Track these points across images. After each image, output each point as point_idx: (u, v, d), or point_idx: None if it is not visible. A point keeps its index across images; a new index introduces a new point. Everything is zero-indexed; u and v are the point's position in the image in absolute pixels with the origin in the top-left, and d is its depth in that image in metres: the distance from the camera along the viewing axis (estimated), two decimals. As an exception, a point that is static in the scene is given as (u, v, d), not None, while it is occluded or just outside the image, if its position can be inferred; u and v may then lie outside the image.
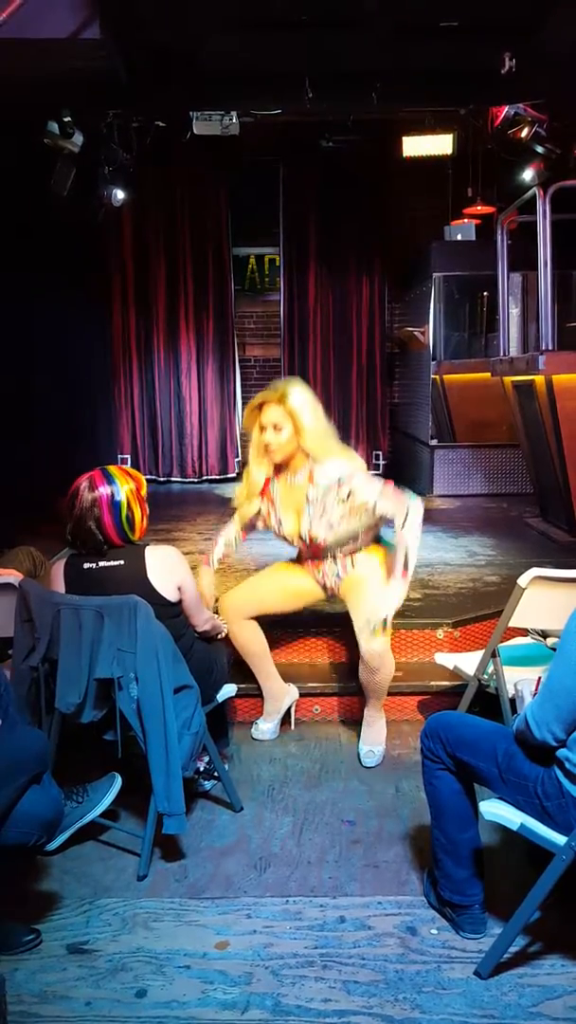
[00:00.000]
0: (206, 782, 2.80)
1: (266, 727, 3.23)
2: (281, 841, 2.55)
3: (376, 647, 2.90)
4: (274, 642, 3.62)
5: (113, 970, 2.00)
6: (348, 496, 2.86)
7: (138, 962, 2.03)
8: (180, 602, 2.57)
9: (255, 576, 3.30)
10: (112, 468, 2.50)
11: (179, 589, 2.54)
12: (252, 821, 2.66)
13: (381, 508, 2.85)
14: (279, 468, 3.00)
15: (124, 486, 2.44)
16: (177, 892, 2.31)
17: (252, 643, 3.18)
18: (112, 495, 2.41)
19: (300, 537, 3.01)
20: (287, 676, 3.53)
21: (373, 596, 2.91)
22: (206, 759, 2.74)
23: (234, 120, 5.60)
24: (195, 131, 5.71)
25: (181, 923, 2.17)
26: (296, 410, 2.85)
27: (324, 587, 3.16)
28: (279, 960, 2.02)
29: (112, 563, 2.47)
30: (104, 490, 2.42)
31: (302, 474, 2.94)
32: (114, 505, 2.41)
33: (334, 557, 3.08)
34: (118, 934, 2.13)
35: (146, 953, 2.06)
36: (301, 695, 3.37)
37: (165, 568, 2.50)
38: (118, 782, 2.48)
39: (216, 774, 2.75)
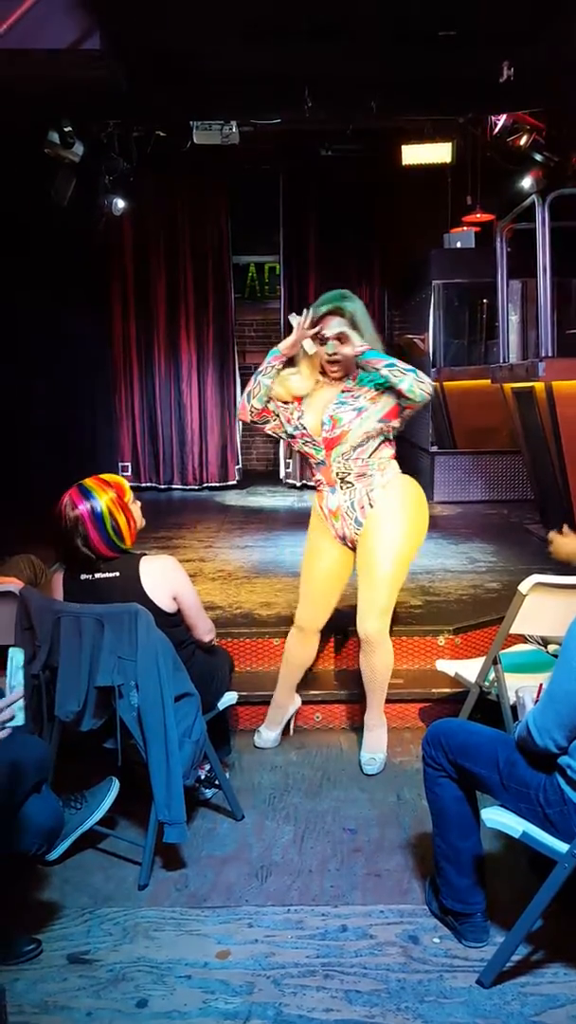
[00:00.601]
0: (207, 790, 2.79)
1: (269, 735, 3.22)
2: (282, 850, 2.54)
3: (370, 627, 2.89)
4: (274, 649, 3.63)
5: (114, 980, 1.99)
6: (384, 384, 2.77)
7: (139, 972, 2.02)
8: (178, 612, 2.56)
9: (304, 587, 3.12)
10: (89, 481, 2.47)
11: (175, 599, 2.52)
12: (253, 829, 2.65)
13: (398, 371, 2.73)
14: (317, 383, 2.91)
15: (103, 497, 2.42)
16: (178, 901, 2.30)
17: (305, 657, 3.15)
18: (92, 509, 2.40)
19: (323, 427, 2.84)
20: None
21: (380, 573, 2.86)
22: (207, 767, 2.74)
23: (234, 129, 5.64)
24: (195, 140, 5.75)
25: (182, 932, 2.16)
26: (360, 320, 2.82)
27: (347, 544, 3.01)
28: (280, 969, 2.02)
29: (108, 575, 2.48)
30: (84, 506, 2.41)
31: (341, 384, 2.88)
32: (96, 519, 2.40)
33: (351, 484, 2.90)
34: (119, 944, 2.12)
35: (147, 963, 2.05)
36: (304, 702, 3.36)
37: (160, 578, 2.49)
38: (115, 786, 2.47)
39: (217, 782, 2.74)
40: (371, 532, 2.90)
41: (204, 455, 8.42)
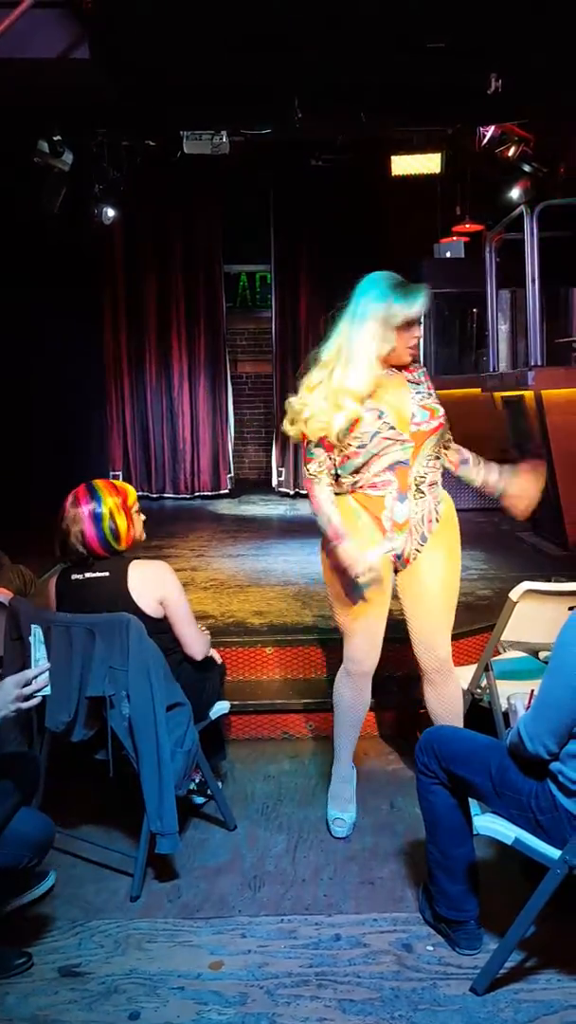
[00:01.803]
0: (199, 798, 2.78)
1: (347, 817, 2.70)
2: (275, 859, 2.53)
3: (445, 653, 2.59)
4: (266, 658, 3.63)
5: (106, 993, 1.98)
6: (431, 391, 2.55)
7: (131, 984, 2.00)
8: (166, 619, 2.55)
9: (357, 623, 2.57)
10: (98, 482, 2.52)
11: (162, 604, 2.52)
12: (246, 839, 2.64)
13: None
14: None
15: (108, 499, 2.46)
16: (170, 912, 2.28)
17: (364, 704, 2.70)
18: (94, 509, 2.44)
19: (412, 420, 2.46)
20: (280, 691, 3.53)
21: (452, 592, 2.59)
22: (199, 776, 2.73)
23: (224, 139, 5.66)
24: (185, 150, 5.77)
25: (175, 944, 2.15)
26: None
27: (399, 563, 2.57)
28: (274, 979, 2.01)
29: (97, 574, 2.48)
30: (87, 504, 2.45)
31: (404, 372, 2.55)
32: (96, 518, 2.44)
33: (423, 493, 2.51)
34: (111, 956, 2.11)
35: (139, 975, 2.03)
36: (296, 711, 3.35)
37: (147, 582, 2.49)
38: (51, 879, 2.40)
39: (209, 792, 2.73)
40: (440, 549, 2.57)
41: (196, 464, 8.42)
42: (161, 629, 2.52)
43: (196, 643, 2.61)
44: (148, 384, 8.34)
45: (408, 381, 2.53)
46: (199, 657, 2.63)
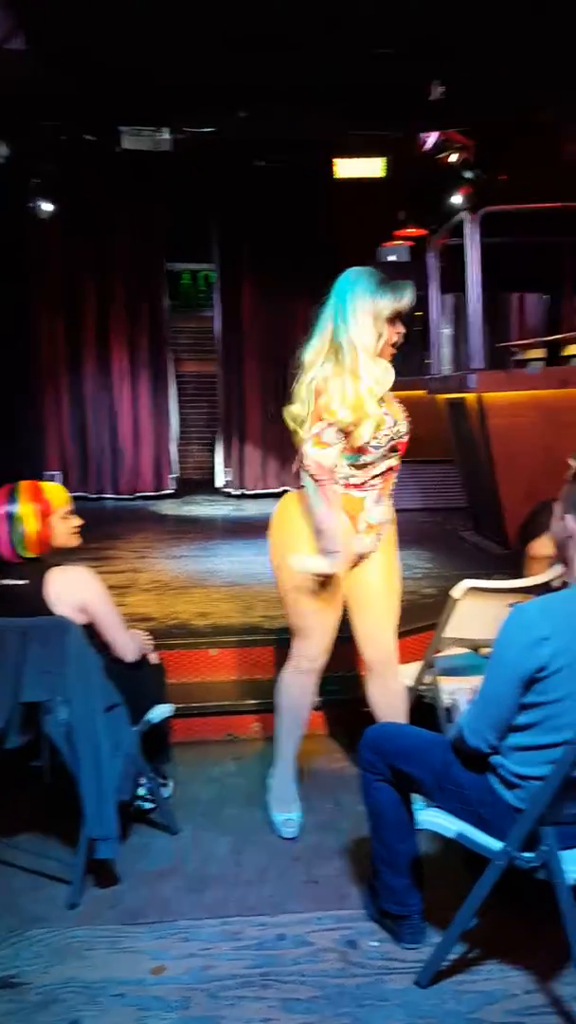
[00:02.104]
0: (146, 804, 2.73)
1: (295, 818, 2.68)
2: (219, 862, 2.50)
3: (392, 646, 2.63)
4: (211, 659, 3.60)
5: (44, 1003, 1.92)
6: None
7: (71, 993, 1.95)
8: (90, 625, 2.48)
9: (314, 620, 2.56)
10: (22, 484, 2.46)
11: (84, 611, 2.45)
12: (189, 843, 2.61)
13: None
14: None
15: (25, 504, 2.41)
16: (111, 919, 2.23)
17: (310, 703, 2.71)
18: (8, 512, 2.40)
19: (396, 425, 2.48)
20: (225, 693, 3.50)
21: (398, 587, 2.64)
22: (145, 781, 2.70)
23: (166, 135, 5.61)
24: (124, 145, 5.69)
25: (115, 950, 2.11)
26: None
27: (355, 563, 2.58)
28: (217, 982, 1.98)
29: (15, 581, 2.43)
30: (3, 507, 2.40)
31: None
32: (8, 520, 2.39)
33: (389, 496, 2.58)
34: (49, 965, 2.05)
35: (79, 983, 1.98)
36: (241, 712, 3.33)
37: (66, 589, 2.43)
38: None
39: (152, 796, 2.69)
40: (389, 548, 2.64)
41: (137, 464, 8.32)
42: (88, 636, 2.46)
43: (126, 646, 2.57)
44: (87, 383, 8.20)
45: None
46: (130, 659, 2.58)
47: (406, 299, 2.44)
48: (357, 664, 2.67)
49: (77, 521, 2.57)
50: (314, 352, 2.48)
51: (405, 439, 2.52)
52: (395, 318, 2.46)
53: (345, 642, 3.24)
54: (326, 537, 2.38)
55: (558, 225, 6.59)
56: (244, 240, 8.05)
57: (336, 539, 2.38)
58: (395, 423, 2.47)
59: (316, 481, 2.39)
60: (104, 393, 8.23)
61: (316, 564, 2.39)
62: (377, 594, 2.61)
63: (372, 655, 2.65)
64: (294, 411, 2.51)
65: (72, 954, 2.09)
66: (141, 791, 2.68)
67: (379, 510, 2.54)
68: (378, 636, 2.63)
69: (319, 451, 2.39)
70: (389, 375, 2.48)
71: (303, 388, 2.47)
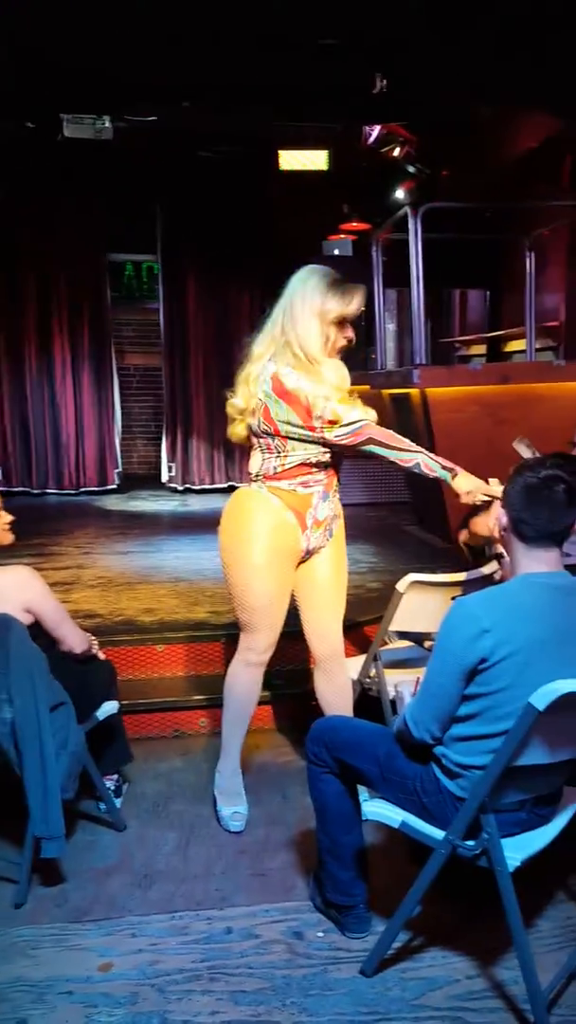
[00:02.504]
0: (101, 804, 2.70)
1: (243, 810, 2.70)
2: (166, 857, 2.50)
3: (339, 638, 2.68)
4: (157, 656, 3.58)
5: (-11, 1005, 1.91)
6: None
7: (17, 992, 1.94)
8: (36, 624, 2.44)
9: (266, 613, 2.54)
10: None
11: (27, 612, 2.41)
12: (136, 839, 2.60)
13: None
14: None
15: None
16: (58, 917, 2.22)
17: (257, 696, 2.69)
18: None
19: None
20: (171, 689, 3.49)
21: (344, 582, 2.67)
22: (115, 777, 2.73)
23: (107, 124, 5.51)
24: (66, 133, 5.59)
25: (62, 948, 2.09)
26: None
27: (305, 558, 2.61)
28: (165, 976, 1.99)
29: None
30: None
31: None
32: None
33: (336, 492, 2.63)
34: (-6, 966, 2.03)
35: (25, 982, 1.97)
36: (187, 708, 3.33)
37: (8, 591, 2.39)
38: None
39: (99, 793, 2.67)
40: (338, 543, 2.66)
41: (81, 458, 8.18)
42: (33, 635, 2.43)
43: (75, 639, 2.56)
44: (27, 375, 8.01)
45: None
46: (78, 650, 2.57)
47: (354, 304, 2.46)
48: (306, 658, 2.69)
49: (8, 517, 2.52)
50: (263, 345, 2.49)
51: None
52: (343, 322, 2.48)
53: (292, 637, 3.27)
54: (439, 459, 2.47)
55: (498, 223, 6.71)
56: (188, 231, 7.96)
57: (439, 458, 2.45)
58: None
59: (373, 442, 2.43)
60: (46, 386, 8.06)
61: (477, 484, 2.44)
62: (327, 588, 2.64)
63: (321, 649, 2.68)
64: (239, 404, 2.52)
65: (18, 953, 2.07)
66: (110, 785, 2.69)
67: (326, 506, 2.57)
68: (327, 630, 2.67)
69: (350, 413, 2.39)
70: (343, 371, 2.52)
71: (250, 380, 2.47)
